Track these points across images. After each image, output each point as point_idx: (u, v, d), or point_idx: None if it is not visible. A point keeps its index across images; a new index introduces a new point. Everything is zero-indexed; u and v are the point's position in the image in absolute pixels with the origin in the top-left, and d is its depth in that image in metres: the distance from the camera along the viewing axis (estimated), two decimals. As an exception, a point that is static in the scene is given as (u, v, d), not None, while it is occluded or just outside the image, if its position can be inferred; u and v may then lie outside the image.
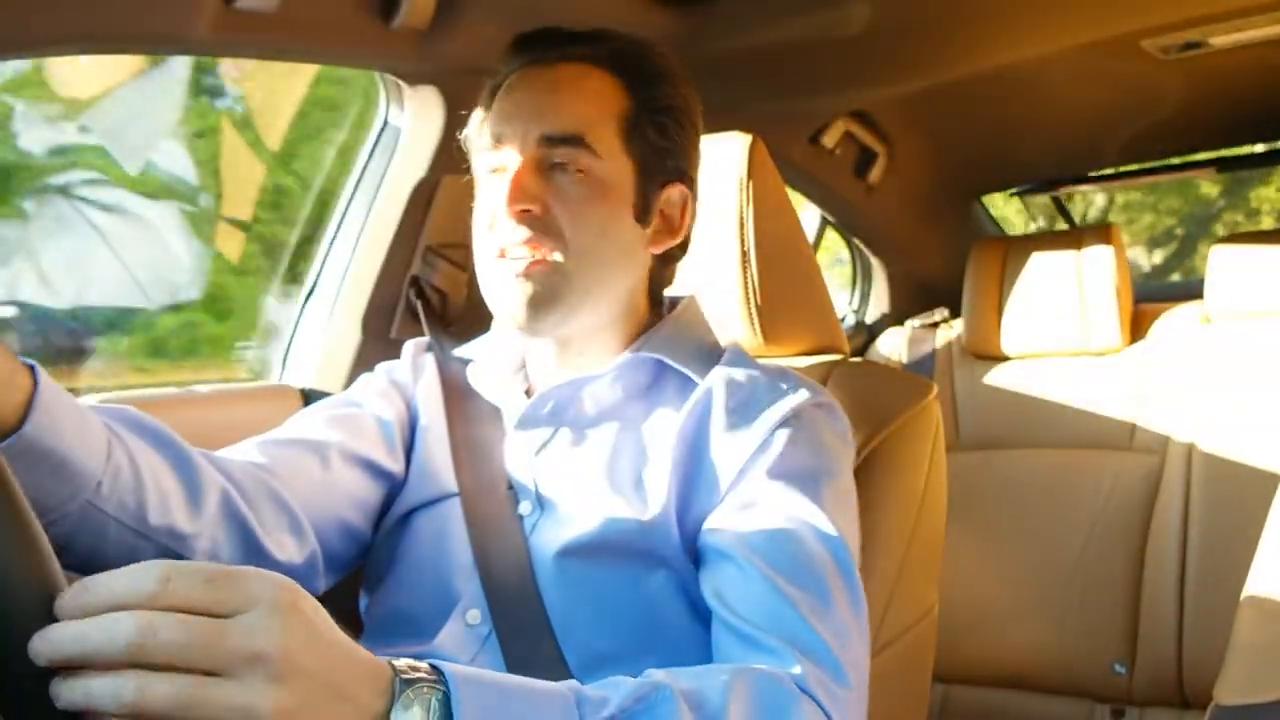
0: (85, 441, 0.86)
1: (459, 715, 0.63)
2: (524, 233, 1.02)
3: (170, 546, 0.93)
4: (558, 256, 1.03)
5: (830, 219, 2.60)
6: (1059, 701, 2.03)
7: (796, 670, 0.84)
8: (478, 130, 1.11)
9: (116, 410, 0.95)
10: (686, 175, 1.14)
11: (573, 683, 0.74)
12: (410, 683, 0.63)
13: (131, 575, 0.58)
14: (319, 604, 0.62)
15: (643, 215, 1.09)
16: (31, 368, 0.83)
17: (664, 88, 1.10)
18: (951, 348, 2.40)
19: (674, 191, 1.12)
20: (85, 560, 0.90)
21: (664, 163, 1.11)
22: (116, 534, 0.89)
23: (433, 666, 0.65)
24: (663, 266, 1.15)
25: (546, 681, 0.72)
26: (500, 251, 1.04)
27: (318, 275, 1.59)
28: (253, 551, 1.00)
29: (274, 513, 1.03)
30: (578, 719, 0.70)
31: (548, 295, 1.04)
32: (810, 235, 2.60)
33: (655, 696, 0.73)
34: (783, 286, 1.30)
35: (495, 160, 1.06)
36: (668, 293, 1.19)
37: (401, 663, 0.64)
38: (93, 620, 0.57)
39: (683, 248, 1.16)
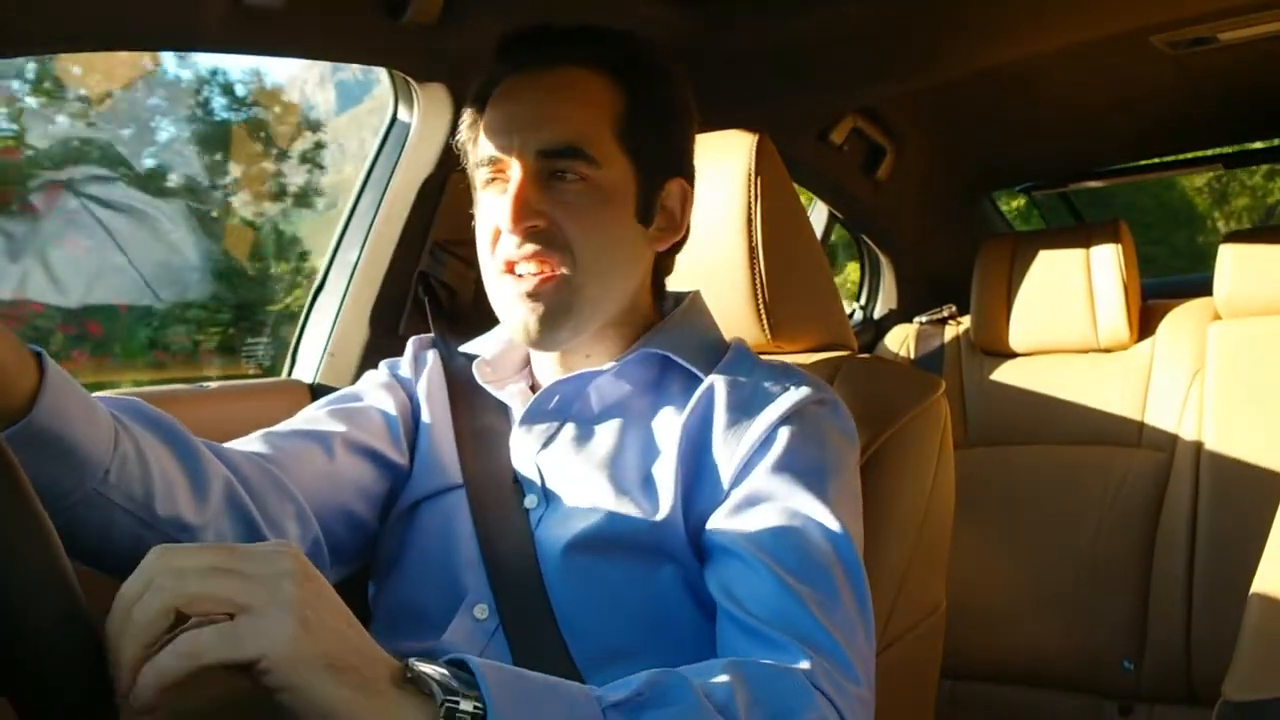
0: (92, 430, 0.86)
1: (491, 698, 0.65)
2: (530, 248, 1.02)
3: (176, 537, 0.94)
4: (566, 270, 1.03)
5: (838, 215, 2.60)
6: (1067, 697, 2.03)
7: (807, 666, 0.84)
8: (469, 138, 1.10)
9: (123, 401, 0.95)
10: (685, 168, 1.13)
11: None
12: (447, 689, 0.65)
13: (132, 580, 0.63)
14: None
15: (645, 215, 1.09)
16: (39, 355, 0.83)
17: (657, 83, 1.09)
18: (960, 344, 2.39)
19: (674, 187, 1.12)
20: (91, 549, 0.90)
21: (663, 160, 1.10)
22: (123, 523, 0.90)
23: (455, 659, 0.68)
24: (664, 260, 1.16)
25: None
26: (507, 266, 1.04)
27: (326, 271, 1.60)
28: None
29: (278, 503, 1.03)
30: (597, 698, 0.72)
31: (559, 311, 1.04)
32: (818, 232, 2.60)
33: (669, 680, 0.75)
34: (790, 283, 1.30)
35: (492, 173, 1.06)
36: (674, 288, 1.19)
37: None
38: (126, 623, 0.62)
39: (683, 239, 1.16)
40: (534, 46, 1.08)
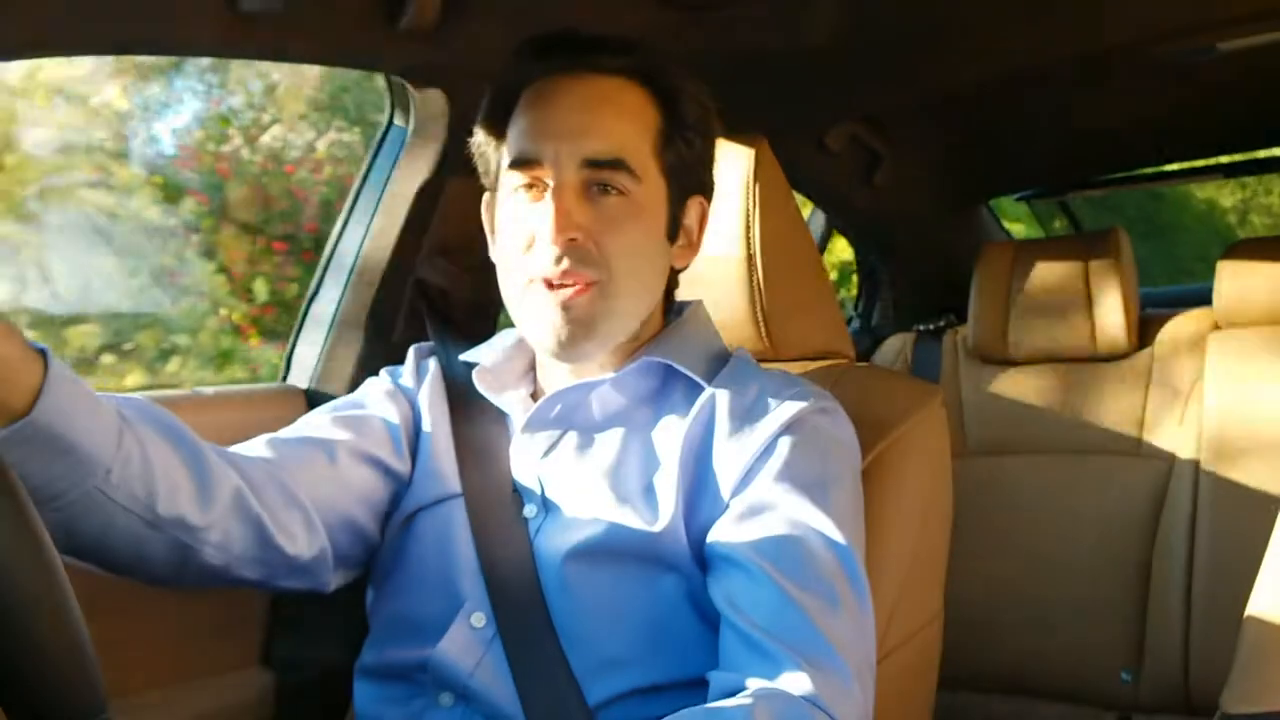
0: (96, 428, 0.86)
1: None
2: (568, 262, 1.01)
3: (180, 538, 0.94)
4: (600, 284, 1.02)
5: (836, 223, 2.60)
6: (1065, 708, 2.02)
7: (808, 681, 0.84)
8: (490, 137, 1.09)
9: (131, 400, 0.96)
10: (706, 187, 1.14)
11: None
12: None
13: None
14: None
15: (672, 232, 1.09)
16: (43, 352, 0.83)
17: (691, 102, 1.09)
18: (958, 352, 2.39)
19: (694, 205, 1.12)
20: (91, 547, 0.90)
21: (691, 178, 1.10)
22: (124, 522, 0.90)
23: None
24: (676, 275, 1.16)
25: None
26: (540, 278, 1.02)
27: (321, 276, 1.59)
28: (265, 545, 1.01)
29: (285, 507, 1.03)
30: None
31: (589, 324, 1.03)
32: (816, 239, 2.60)
33: None
34: (788, 291, 1.29)
35: (529, 178, 1.03)
36: (675, 298, 1.19)
37: None
38: None
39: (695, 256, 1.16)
40: (569, 51, 1.06)
